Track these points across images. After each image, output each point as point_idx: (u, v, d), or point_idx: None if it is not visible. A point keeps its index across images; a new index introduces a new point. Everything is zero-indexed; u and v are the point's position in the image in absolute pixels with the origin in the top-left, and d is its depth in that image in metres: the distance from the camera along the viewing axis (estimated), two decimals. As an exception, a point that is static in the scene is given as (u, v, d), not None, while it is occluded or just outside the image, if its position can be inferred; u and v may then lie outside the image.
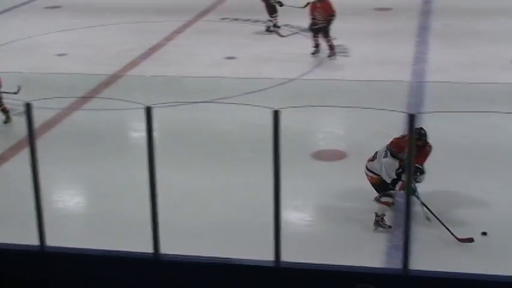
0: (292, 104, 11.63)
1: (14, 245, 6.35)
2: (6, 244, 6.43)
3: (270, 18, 17.47)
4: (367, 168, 8.69)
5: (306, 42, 15.89)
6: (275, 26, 17.51)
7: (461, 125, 11.43)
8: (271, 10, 17.41)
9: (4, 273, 6.09)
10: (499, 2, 19.59)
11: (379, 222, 8.55)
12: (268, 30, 17.55)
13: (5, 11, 20.96)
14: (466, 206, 9.14)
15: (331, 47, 15.26)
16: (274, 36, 17.36)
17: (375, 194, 8.87)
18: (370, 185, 8.79)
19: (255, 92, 13.15)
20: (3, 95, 11.97)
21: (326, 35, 15.17)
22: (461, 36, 16.51)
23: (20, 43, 17.20)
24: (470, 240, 8.23)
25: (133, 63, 15.58)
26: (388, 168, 8.35)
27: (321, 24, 15.14)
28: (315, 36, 15.37)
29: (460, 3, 19.34)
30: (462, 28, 17.26)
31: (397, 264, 5.87)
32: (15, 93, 11.80)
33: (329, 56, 15.28)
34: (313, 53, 15.45)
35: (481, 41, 16.07)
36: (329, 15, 15.08)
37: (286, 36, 17.20)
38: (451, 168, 10.08)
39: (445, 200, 9.22)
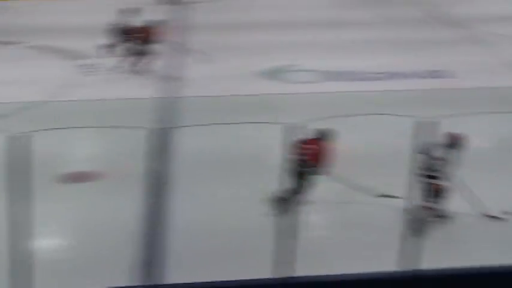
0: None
1: None
2: None
3: None
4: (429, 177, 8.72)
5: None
6: None
7: (216, 137, 11.76)
8: None
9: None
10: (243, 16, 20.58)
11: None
12: None
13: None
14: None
15: None
16: None
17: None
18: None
19: None
20: None
21: None
22: (212, 51, 16.72)
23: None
24: None
25: None
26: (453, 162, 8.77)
27: None
28: None
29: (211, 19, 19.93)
30: (213, 43, 17.61)
31: None
32: None
33: None
34: None
35: (231, 55, 16.55)
36: None
37: None
38: (207, 178, 10.44)
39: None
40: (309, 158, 9.25)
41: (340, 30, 19.42)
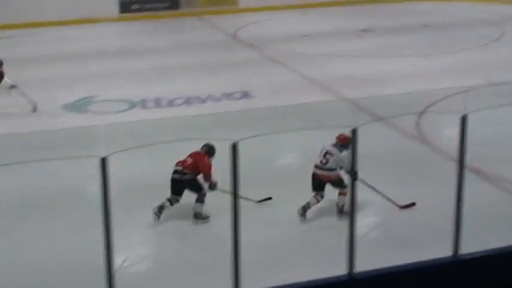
0: None
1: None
2: None
3: None
4: (322, 169, 9.53)
5: None
6: None
7: (28, 175, 11.31)
8: None
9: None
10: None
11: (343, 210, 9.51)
12: None
13: None
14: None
15: None
16: None
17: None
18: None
19: None
20: None
21: None
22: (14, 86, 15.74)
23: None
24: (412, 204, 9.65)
25: None
26: (348, 159, 9.03)
27: None
28: None
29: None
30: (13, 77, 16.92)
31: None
32: None
33: None
34: None
35: (33, 89, 15.58)
36: None
37: None
38: (22, 220, 9.96)
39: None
40: (189, 169, 9.52)
41: (139, 58, 19.51)
